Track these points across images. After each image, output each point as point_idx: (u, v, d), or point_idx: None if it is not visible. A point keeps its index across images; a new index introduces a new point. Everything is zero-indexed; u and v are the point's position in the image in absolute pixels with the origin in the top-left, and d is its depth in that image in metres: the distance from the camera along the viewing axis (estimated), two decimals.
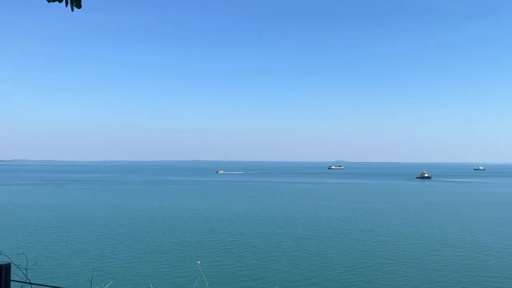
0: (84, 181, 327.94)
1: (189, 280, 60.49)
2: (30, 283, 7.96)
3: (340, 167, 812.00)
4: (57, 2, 8.37)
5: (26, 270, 8.77)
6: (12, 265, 7.15)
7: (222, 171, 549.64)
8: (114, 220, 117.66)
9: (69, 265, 69.43)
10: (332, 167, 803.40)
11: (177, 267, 68.78)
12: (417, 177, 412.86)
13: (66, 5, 8.43)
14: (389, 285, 60.30)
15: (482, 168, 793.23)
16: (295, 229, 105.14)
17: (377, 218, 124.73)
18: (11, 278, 6.99)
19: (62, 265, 69.69)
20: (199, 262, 63.96)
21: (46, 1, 8.47)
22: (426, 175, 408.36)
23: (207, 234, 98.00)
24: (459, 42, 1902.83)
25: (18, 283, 7.97)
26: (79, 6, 8.54)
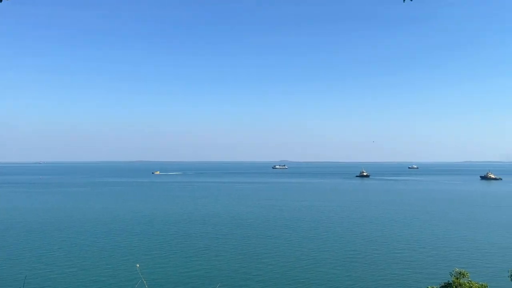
0: (17, 184, 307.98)
1: (128, 284, 58.58)
2: None
3: (284, 167, 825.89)
4: None
5: None
6: None
7: (158, 172, 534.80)
8: (50, 225, 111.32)
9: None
10: (276, 166, 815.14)
11: (116, 270, 66.32)
12: (357, 176, 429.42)
13: None
14: (333, 281, 62.00)
15: (415, 167, 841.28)
16: (241, 229, 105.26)
17: (321, 216, 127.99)
18: None
19: None
20: (138, 265, 62.04)
21: None
22: (365, 173, 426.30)
23: (149, 236, 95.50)
24: (395, 47, 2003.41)
25: None
26: None
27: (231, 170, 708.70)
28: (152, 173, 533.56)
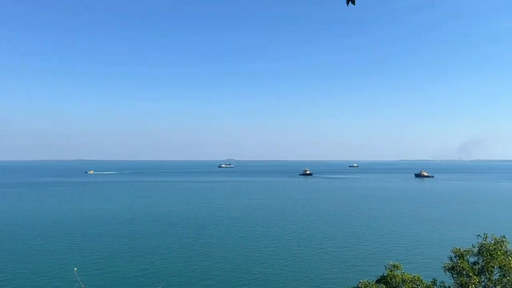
0: None
1: None
2: None
3: (230, 166, 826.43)
4: None
5: None
6: None
7: (92, 172, 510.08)
8: None
9: None
10: (222, 165, 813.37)
11: (52, 275, 63.08)
12: (300, 174, 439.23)
13: None
14: (278, 277, 63.00)
15: (356, 165, 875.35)
16: (187, 228, 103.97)
17: (265, 214, 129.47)
18: None
19: None
20: (75, 268, 59.48)
21: None
22: (308, 172, 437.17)
23: (89, 238, 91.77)
24: (334, 50, 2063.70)
25: None
26: None
27: (174, 169, 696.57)
28: (86, 172, 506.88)
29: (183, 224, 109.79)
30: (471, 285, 22.66)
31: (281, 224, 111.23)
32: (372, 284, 24.96)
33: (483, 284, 23.23)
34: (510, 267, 23.17)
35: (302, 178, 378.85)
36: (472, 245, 24.51)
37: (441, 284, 25.15)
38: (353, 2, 9.71)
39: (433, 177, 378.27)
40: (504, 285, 22.81)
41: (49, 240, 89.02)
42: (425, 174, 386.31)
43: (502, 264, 23.22)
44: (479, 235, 24.85)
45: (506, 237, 24.95)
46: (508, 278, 22.94)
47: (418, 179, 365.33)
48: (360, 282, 25.78)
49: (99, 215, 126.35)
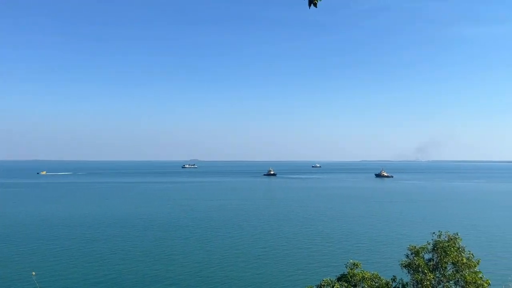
0: None
1: None
2: None
3: (194, 166, 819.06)
4: None
5: None
6: None
7: (44, 172, 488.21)
8: None
9: None
10: (186, 166, 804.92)
11: (9, 280, 60.47)
12: (264, 175, 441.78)
13: None
14: (241, 278, 63.10)
15: (318, 165, 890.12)
16: (150, 230, 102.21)
17: (229, 215, 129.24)
18: None
19: None
20: (34, 272, 57.26)
21: None
22: (272, 172, 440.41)
23: (47, 241, 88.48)
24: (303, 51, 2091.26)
25: None
26: None
27: (135, 169, 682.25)
28: (38, 173, 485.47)
29: (145, 226, 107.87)
30: (426, 281, 23.63)
31: (245, 225, 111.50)
32: (335, 282, 25.52)
33: (438, 279, 24.26)
34: (463, 263, 24.29)
35: (266, 179, 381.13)
36: (427, 242, 25.52)
37: (400, 281, 26.02)
38: (315, 5, 9.89)
39: (392, 177, 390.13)
40: (457, 280, 23.90)
41: (1, 244, 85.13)
42: (385, 174, 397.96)
43: (455, 260, 24.33)
44: (433, 233, 25.92)
45: (458, 234, 26.14)
46: (460, 273, 24.05)
47: (378, 179, 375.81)
48: (323, 280, 26.33)
49: (52, 218, 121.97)
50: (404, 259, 25.68)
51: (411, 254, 25.34)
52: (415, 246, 25.60)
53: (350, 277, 25.83)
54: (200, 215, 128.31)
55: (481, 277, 23.94)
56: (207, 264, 70.62)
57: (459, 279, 23.85)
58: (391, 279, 26.27)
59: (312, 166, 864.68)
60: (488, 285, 23.87)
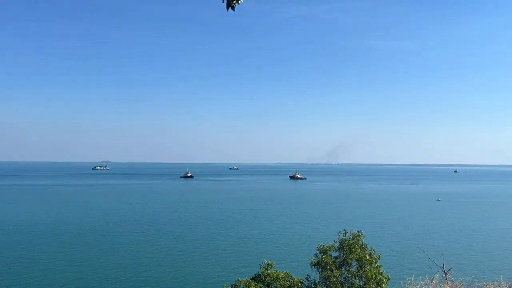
0: None
1: None
2: None
3: (106, 168, 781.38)
4: None
5: None
6: None
7: None
8: None
9: None
10: (97, 167, 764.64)
11: None
12: (181, 177, 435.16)
13: None
14: (156, 284, 61.69)
15: (236, 167, 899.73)
16: (57, 236, 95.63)
17: (145, 219, 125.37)
18: None
19: None
20: None
21: None
22: (189, 174, 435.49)
23: None
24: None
25: None
26: None
27: (39, 171, 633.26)
28: None
29: (52, 232, 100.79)
30: (333, 278, 25.28)
31: (162, 228, 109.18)
32: (250, 282, 26.23)
33: (344, 276, 26.05)
34: (366, 260, 26.33)
35: (183, 181, 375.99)
36: (334, 241, 27.27)
37: (313, 280, 27.45)
38: (233, 8, 10.17)
39: (305, 179, 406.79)
40: (360, 276, 25.87)
41: None
42: (299, 176, 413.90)
43: (359, 257, 26.30)
44: (340, 231, 27.74)
45: (362, 231, 28.27)
46: (364, 269, 26.05)
47: (292, 181, 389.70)
48: (238, 280, 26.92)
49: None
50: (314, 258, 27.15)
51: (320, 253, 26.88)
52: (323, 245, 27.20)
53: (264, 277, 26.73)
54: (113, 219, 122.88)
55: (381, 273, 26.12)
56: (124, 268, 67.99)
57: (362, 275, 25.82)
58: (305, 278, 27.58)
59: (230, 168, 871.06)
60: (387, 279, 26.07)
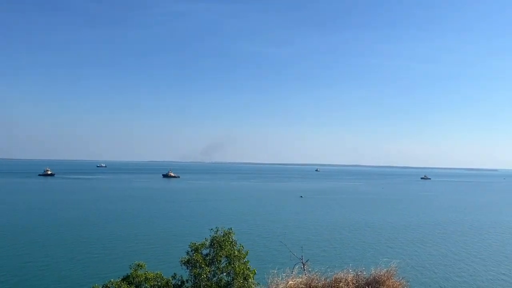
0: None
1: None
2: None
3: None
4: None
5: None
6: None
7: None
8: None
9: None
10: None
11: None
12: (40, 175, 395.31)
13: None
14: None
15: (104, 165, 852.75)
16: None
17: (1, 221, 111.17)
18: None
19: None
20: None
21: None
22: (49, 172, 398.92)
23: None
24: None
25: None
26: None
27: None
28: None
29: None
30: (203, 275, 25.91)
31: (26, 231, 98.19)
32: (122, 283, 25.47)
33: (213, 272, 26.85)
34: (235, 256, 27.53)
35: (42, 179, 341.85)
36: (205, 238, 27.94)
37: (180, 278, 27.64)
38: None
39: (179, 177, 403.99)
40: (228, 272, 26.96)
41: None
42: (172, 174, 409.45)
43: (229, 253, 27.40)
44: (211, 229, 28.52)
45: (232, 228, 29.46)
46: (232, 265, 27.21)
47: (165, 179, 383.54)
48: (109, 281, 25.93)
49: None
50: (185, 256, 27.45)
51: (191, 251, 27.29)
52: (195, 243, 27.65)
53: (133, 278, 26.17)
54: None
55: (248, 268, 27.59)
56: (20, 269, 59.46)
57: (231, 271, 26.96)
58: (172, 276, 27.65)
59: (97, 166, 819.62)
60: (254, 274, 27.64)
